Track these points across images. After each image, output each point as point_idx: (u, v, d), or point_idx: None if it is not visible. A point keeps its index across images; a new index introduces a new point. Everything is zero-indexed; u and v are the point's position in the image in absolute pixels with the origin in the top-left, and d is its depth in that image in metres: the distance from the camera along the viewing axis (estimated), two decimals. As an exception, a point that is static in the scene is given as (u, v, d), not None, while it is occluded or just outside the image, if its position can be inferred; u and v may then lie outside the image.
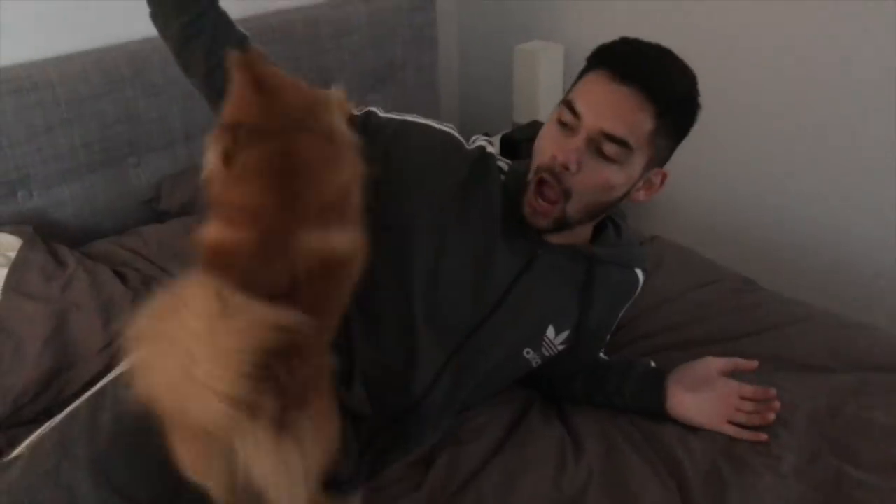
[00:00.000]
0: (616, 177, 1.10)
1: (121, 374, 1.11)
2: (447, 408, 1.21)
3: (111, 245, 1.66)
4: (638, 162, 1.10)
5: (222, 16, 1.19)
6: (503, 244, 1.19)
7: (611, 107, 1.06)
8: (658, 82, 1.06)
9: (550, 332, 1.25)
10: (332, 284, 0.94)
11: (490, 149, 1.26)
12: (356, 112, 1.22)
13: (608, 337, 1.40)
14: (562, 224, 1.16)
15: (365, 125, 1.19)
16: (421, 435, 1.21)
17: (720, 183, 2.21)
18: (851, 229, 1.97)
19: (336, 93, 1.04)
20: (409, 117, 1.25)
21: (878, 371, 1.38)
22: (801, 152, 2.00)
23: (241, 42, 1.19)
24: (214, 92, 1.14)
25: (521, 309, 1.21)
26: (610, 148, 1.07)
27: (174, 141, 1.87)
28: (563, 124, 1.10)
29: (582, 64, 1.15)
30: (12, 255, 1.52)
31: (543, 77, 2.30)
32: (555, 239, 1.21)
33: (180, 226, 1.73)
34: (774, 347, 1.46)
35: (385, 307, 1.16)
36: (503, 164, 1.25)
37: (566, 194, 1.11)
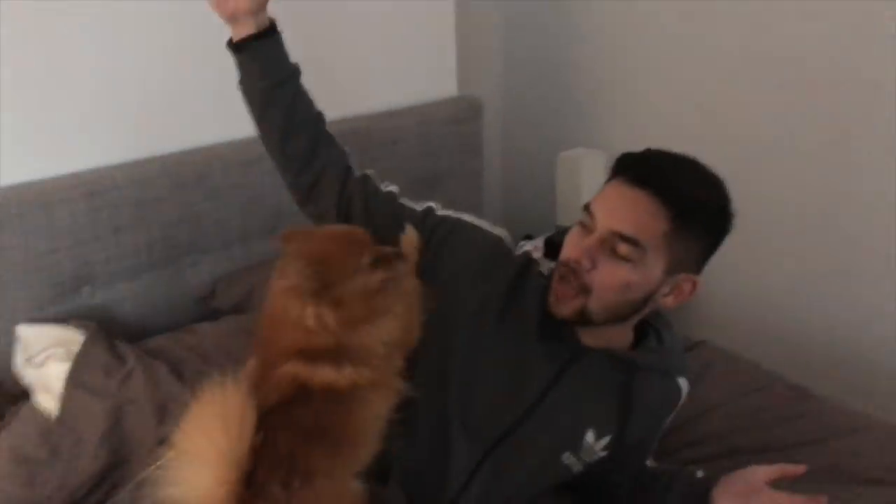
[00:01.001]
0: (631, 276, 1.12)
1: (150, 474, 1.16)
2: None
3: (167, 341, 1.71)
4: (654, 263, 1.12)
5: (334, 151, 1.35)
6: (540, 348, 1.22)
7: (622, 208, 1.12)
8: (672, 186, 1.10)
9: (590, 436, 1.25)
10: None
11: (536, 255, 1.31)
12: (417, 208, 1.32)
13: (654, 445, 1.38)
14: (584, 317, 1.17)
15: (423, 221, 1.29)
16: None
17: (768, 285, 2.19)
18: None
19: (408, 238, 1.23)
20: (465, 217, 1.32)
21: (937, 486, 1.33)
22: (849, 250, 1.97)
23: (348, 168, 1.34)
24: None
25: (558, 413, 1.22)
26: (622, 247, 1.10)
27: (230, 242, 1.95)
28: (582, 226, 1.16)
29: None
30: (75, 349, 1.58)
31: (586, 183, 2.35)
32: (591, 341, 1.22)
33: (234, 323, 1.78)
34: (829, 458, 1.43)
35: (421, 404, 1.19)
36: (546, 269, 1.29)
37: (584, 290, 1.13)
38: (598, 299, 1.14)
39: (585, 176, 2.36)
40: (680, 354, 1.35)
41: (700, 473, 1.32)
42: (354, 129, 2.10)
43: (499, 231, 1.32)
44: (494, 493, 1.22)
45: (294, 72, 1.30)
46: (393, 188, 1.36)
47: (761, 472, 1.25)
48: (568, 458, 1.25)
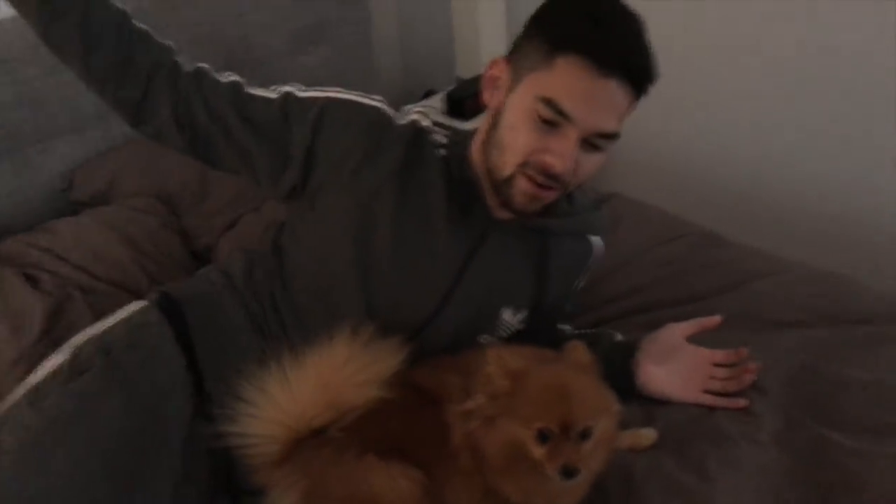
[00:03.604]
0: (602, 160, 1.08)
1: (27, 391, 1.01)
2: None
3: (19, 244, 1.50)
4: None
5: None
6: (448, 229, 1.12)
7: (603, 105, 1.02)
8: (638, 68, 1.02)
9: (507, 314, 1.18)
10: None
11: (424, 122, 1.17)
12: (272, 96, 1.13)
13: (567, 308, 1.32)
14: (549, 207, 1.12)
15: (284, 110, 1.11)
16: None
17: (680, 134, 2.14)
18: (823, 176, 1.91)
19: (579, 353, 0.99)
20: (332, 93, 1.15)
21: (856, 324, 1.31)
22: (768, 95, 1.94)
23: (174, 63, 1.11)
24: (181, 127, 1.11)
25: (474, 294, 1.14)
26: (601, 142, 1.04)
27: (84, 125, 1.71)
28: (544, 122, 1.02)
29: (523, 11, 1.05)
30: None
31: (485, 29, 2.22)
32: (503, 214, 1.13)
33: (97, 217, 1.58)
34: (744, 304, 1.39)
35: (339, 301, 1.10)
36: (440, 136, 1.16)
37: (563, 187, 1.08)
38: (569, 188, 1.10)
39: (483, 21, 2.21)
40: (592, 212, 1.26)
41: (619, 337, 1.28)
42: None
43: (374, 101, 1.16)
44: None
45: None
46: (235, 77, 1.15)
47: (679, 330, 1.22)
48: (485, 338, 1.19)
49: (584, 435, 0.89)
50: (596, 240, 1.26)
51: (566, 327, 1.34)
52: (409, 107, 1.20)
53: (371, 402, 0.95)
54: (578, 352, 0.94)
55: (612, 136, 1.04)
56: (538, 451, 0.89)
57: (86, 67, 1.06)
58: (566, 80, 1.00)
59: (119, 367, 1.03)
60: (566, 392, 0.89)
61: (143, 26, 1.10)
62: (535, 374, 0.91)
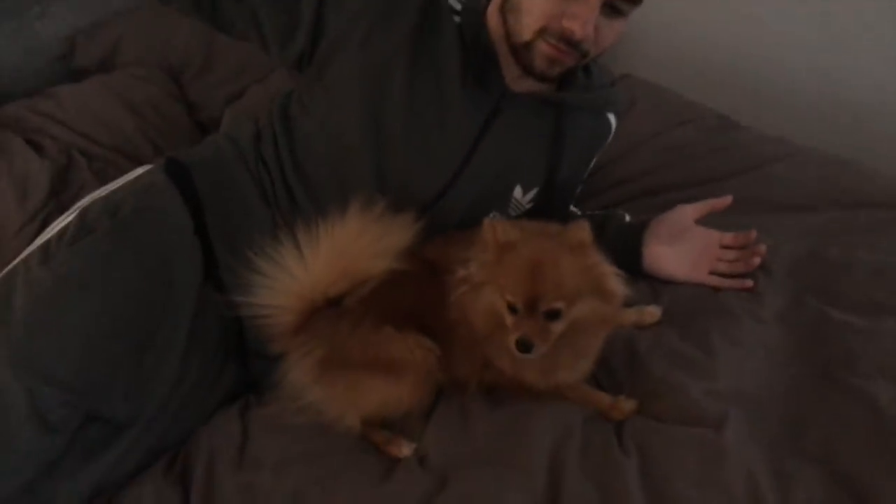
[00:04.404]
0: (623, 27, 1.04)
1: (33, 251, 1.01)
2: None
3: (20, 109, 1.48)
4: None
5: None
6: (462, 100, 1.09)
7: None
8: None
9: (518, 192, 1.17)
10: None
11: None
12: None
13: (578, 188, 1.31)
14: (566, 73, 1.09)
15: None
16: None
17: (697, 18, 2.06)
18: (836, 64, 1.85)
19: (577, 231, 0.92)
20: None
21: (862, 208, 1.32)
22: None
23: None
24: None
25: (486, 171, 1.12)
26: (624, 5, 1.01)
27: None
28: None
29: None
30: None
31: None
32: (519, 87, 1.10)
33: (100, 83, 1.55)
34: (754, 188, 1.39)
35: (349, 173, 1.09)
36: (455, 1, 1.12)
37: (583, 55, 1.05)
38: (589, 56, 1.06)
39: None
40: (609, 88, 1.23)
41: (627, 218, 1.28)
42: None
43: None
44: None
45: None
46: None
47: (689, 210, 1.22)
48: (494, 216, 1.17)
49: (551, 315, 0.88)
50: (612, 116, 1.24)
51: (576, 210, 1.33)
52: None
53: (384, 273, 0.96)
54: (579, 230, 0.90)
55: (634, 1, 1.00)
56: (509, 321, 0.89)
57: None
58: None
59: (127, 229, 1.01)
60: (539, 270, 0.88)
61: None
62: (521, 247, 0.90)
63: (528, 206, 1.20)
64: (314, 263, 0.95)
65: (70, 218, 1.04)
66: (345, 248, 0.95)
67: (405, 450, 0.97)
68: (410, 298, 0.99)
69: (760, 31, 1.97)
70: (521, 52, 1.06)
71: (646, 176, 1.48)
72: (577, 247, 0.90)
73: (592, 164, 1.28)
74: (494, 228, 0.90)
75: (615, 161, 1.48)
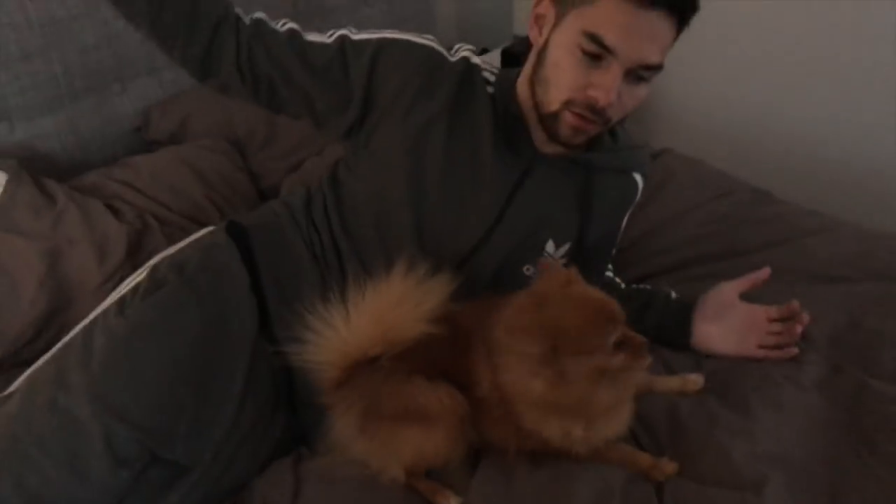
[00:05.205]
0: (646, 92, 1.09)
1: (111, 304, 1.11)
2: None
3: (100, 177, 1.58)
4: None
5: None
6: (495, 160, 1.15)
7: (645, 37, 1.02)
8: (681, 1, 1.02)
9: (550, 246, 1.21)
10: None
11: (475, 59, 1.20)
12: (328, 41, 1.17)
13: (613, 251, 1.35)
14: (592, 140, 1.16)
15: (341, 53, 1.15)
16: None
17: (733, 94, 2.13)
18: (867, 138, 1.90)
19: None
20: (386, 34, 1.18)
21: (900, 281, 1.33)
22: (817, 58, 1.92)
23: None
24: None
25: (518, 226, 1.18)
26: (646, 73, 1.05)
27: (158, 66, 1.78)
28: (588, 55, 1.04)
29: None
30: (-1, 190, 1.46)
31: None
32: (549, 149, 1.17)
33: (172, 154, 1.66)
34: (792, 259, 1.42)
35: (392, 230, 1.15)
36: (489, 73, 1.20)
37: (605, 122, 1.10)
38: (612, 121, 1.11)
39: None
40: (634, 149, 1.29)
41: (674, 294, 1.31)
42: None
43: (427, 40, 1.19)
44: None
45: None
46: (292, 25, 1.18)
47: (730, 288, 1.25)
48: (529, 270, 1.22)
49: None
50: (639, 176, 1.28)
51: (619, 282, 1.36)
52: (459, 45, 1.23)
53: (419, 336, 1.00)
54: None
55: (655, 68, 1.05)
56: (616, 360, 0.92)
57: (154, 27, 1.10)
58: (609, 13, 1.01)
59: (192, 283, 1.11)
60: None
61: None
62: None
63: (562, 262, 1.24)
64: (357, 324, 1.00)
65: (142, 275, 1.15)
66: (386, 315, 1.00)
67: (452, 502, 1.00)
68: (441, 359, 1.02)
69: (797, 104, 2.03)
70: (548, 121, 1.12)
71: (686, 246, 1.51)
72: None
73: (623, 224, 1.32)
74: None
75: (655, 231, 1.53)
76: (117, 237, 1.38)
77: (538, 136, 1.17)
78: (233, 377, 1.07)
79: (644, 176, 1.30)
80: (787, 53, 1.98)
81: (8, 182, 1.46)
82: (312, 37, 1.17)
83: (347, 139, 1.22)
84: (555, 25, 1.08)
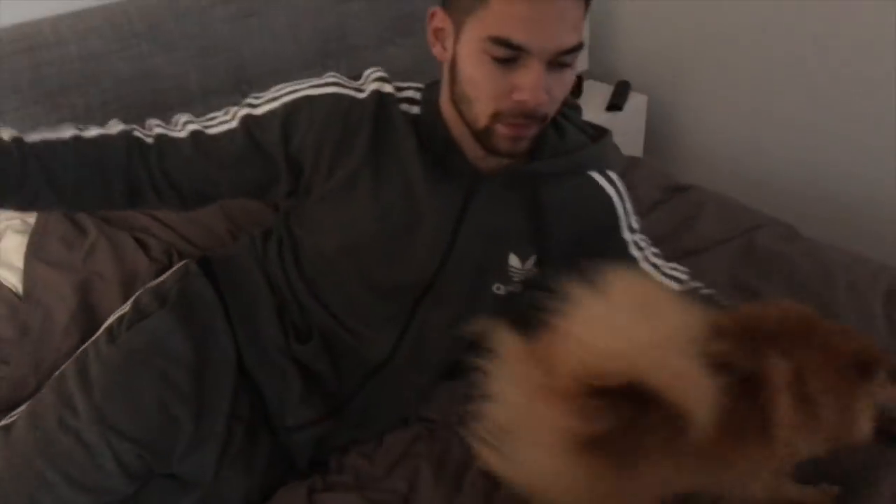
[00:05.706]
0: (573, 74, 1.04)
1: (101, 334, 1.17)
2: (418, 365, 1.22)
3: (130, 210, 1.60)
4: None
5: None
6: (429, 192, 1.10)
7: (554, 22, 0.95)
8: None
9: (514, 260, 1.17)
10: None
11: (386, 88, 1.11)
12: (233, 125, 1.10)
13: (607, 252, 1.18)
14: (533, 141, 1.08)
15: (250, 135, 1.09)
16: (398, 395, 1.24)
17: (759, 134, 2.14)
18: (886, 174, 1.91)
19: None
20: (286, 96, 1.11)
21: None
22: (844, 98, 1.94)
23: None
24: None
25: (474, 247, 1.14)
26: (567, 58, 0.99)
27: (190, 100, 1.80)
28: (500, 60, 0.97)
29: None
30: (31, 220, 1.48)
31: None
32: (492, 163, 1.11)
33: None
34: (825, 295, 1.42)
35: (339, 276, 1.18)
36: (409, 100, 1.13)
37: (542, 120, 1.04)
38: (549, 116, 1.06)
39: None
40: (589, 147, 1.18)
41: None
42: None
43: (328, 84, 1.12)
44: (427, 346, 1.21)
45: (23, 156, 0.98)
46: (191, 125, 1.11)
47: None
48: (499, 288, 1.19)
49: None
50: (597, 174, 1.18)
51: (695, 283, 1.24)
52: (369, 71, 1.15)
53: None
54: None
55: (575, 49, 0.98)
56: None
57: (82, 203, 1.08)
58: (507, 10, 0.94)
59: (176, 310, 1.15)
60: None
61: (91, 134, 1.07)
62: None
63: (531, 272, 1.19)
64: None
65: (126, 308, 1.20)
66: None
67: None
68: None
69: (821, 143, 2.04)
70: (482, 137, 1.05)
71: (720, 273, 1.52)
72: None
73: (623, 224, 1.21)
74: None
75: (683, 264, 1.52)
76: (146, 276, 1.39)
77: (476, 154, 1.10)
78: (220, 397, 1.13)
79: (604, 171, 1.19)
80: (811, 94, 1.99)
81: (40, 212, 1.48)
82: (215, 129, 1.10)
83: (291, 198, 1.19)
84: (456, 38, 1.02)
